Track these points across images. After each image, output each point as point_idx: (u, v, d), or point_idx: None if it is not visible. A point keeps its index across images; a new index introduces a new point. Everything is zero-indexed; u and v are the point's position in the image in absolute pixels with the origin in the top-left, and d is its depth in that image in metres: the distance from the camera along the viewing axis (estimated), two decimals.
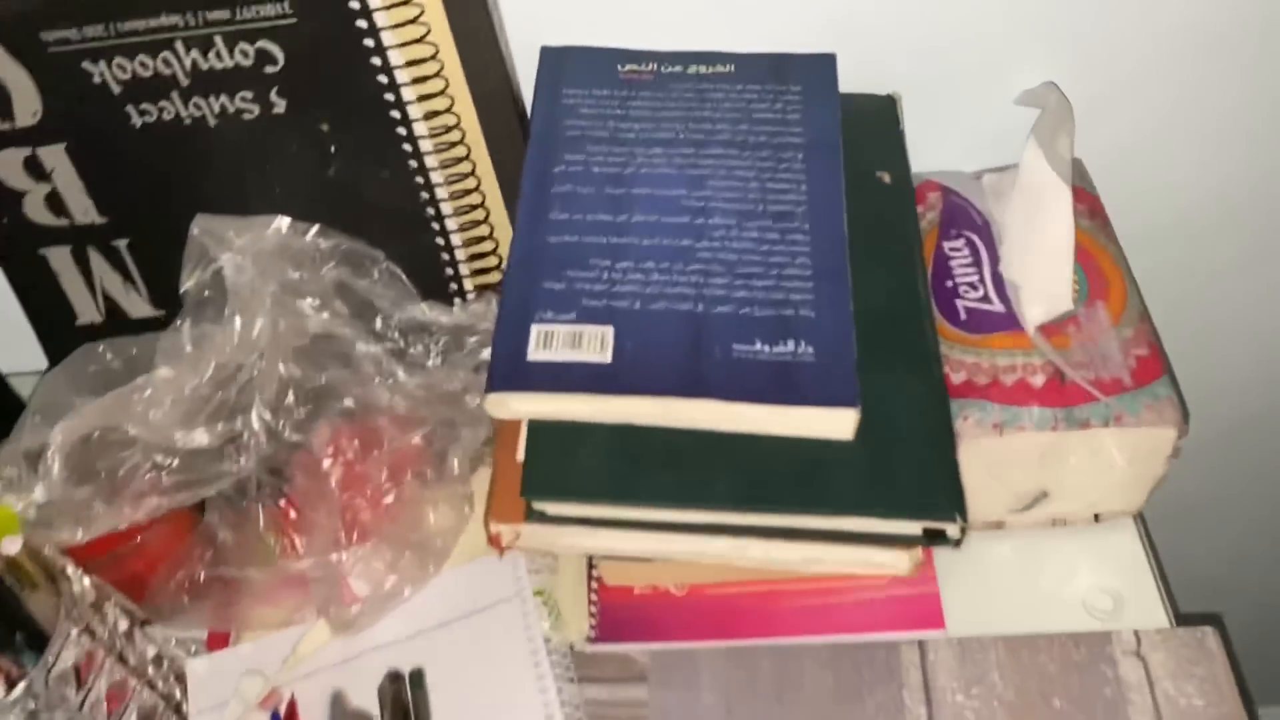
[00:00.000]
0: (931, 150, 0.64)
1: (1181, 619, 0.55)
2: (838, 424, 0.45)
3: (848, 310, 0.48)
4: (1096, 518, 0.59)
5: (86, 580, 0.51)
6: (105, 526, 0.53)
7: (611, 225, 0.50)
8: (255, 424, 0.55)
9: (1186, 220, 0.71)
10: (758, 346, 0.46)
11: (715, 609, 0.57)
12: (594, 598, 0.57)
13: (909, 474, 0.46)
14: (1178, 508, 0.89)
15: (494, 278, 0.61)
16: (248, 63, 0.52)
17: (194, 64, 0.52)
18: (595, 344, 0.46)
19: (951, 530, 0.46)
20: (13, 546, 0.47)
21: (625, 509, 0.45)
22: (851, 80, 0.60)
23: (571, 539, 0.48)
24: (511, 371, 0.45)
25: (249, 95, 0.53)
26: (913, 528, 0.46)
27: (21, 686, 0.46)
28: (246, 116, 0.54)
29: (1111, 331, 0.55)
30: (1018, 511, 0.58)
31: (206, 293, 0.56)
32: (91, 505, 0.52)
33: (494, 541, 0.48)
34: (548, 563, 0.58)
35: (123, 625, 0.54)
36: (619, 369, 0.46)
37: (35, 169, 0.57)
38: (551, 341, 0.46)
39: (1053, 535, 0.58)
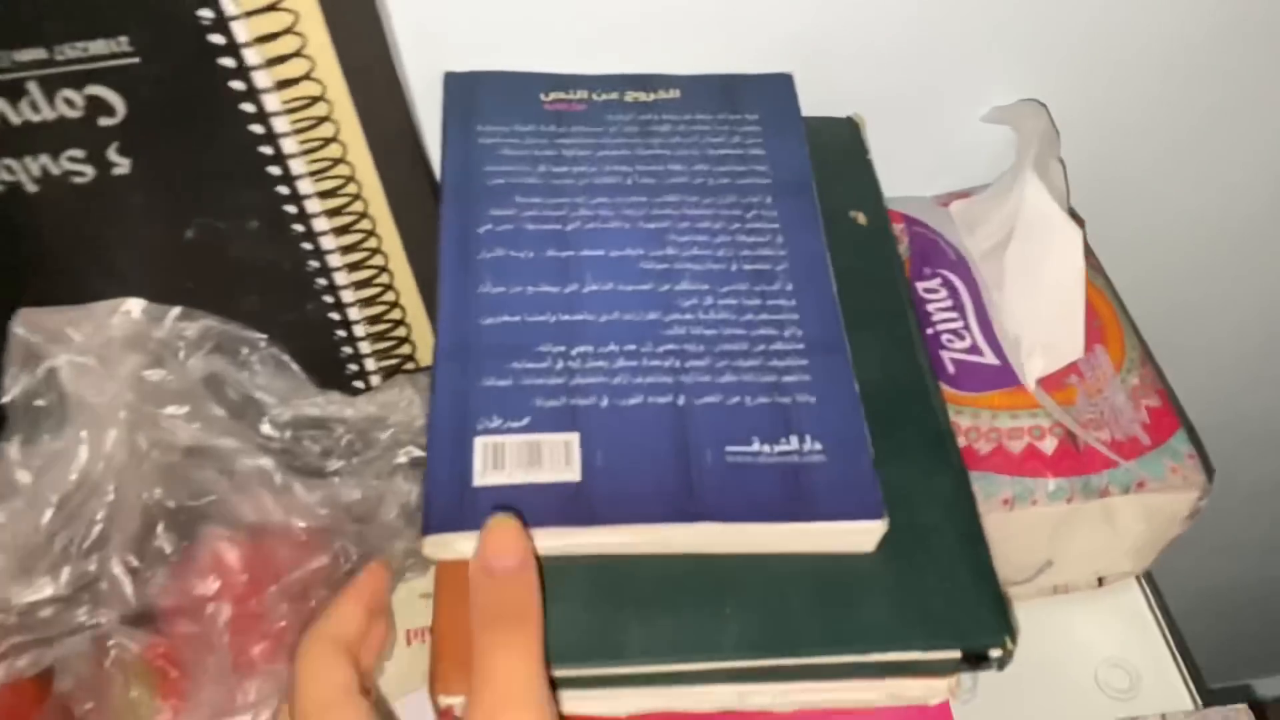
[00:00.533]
0: (882, 173, 0.57)
1: (1205, 695, 0.50)
2: (861, 539, 0.38)
3: (854, 391, 0.40)
4: (1100, 582, 0.53)
5: None
6: None
7: (559, 298, 0.41)
8: (114, 565, 0.43)
9: (1150, 240, 0.67)
10: (756, 447, 0.38)
11: None
12: None
13: (945, 591, 0.38)
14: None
15: (405, 350, 0.51)
16: (75, 114, 0.40)
17: (1, 117, 0.40)
18: (559, 457, 0.37)
19: (996, 652, 0.39)
20: None
21: (615, 667, 0.36)
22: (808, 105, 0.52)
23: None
24: (453, 505, 0.36)
25: (79, 154, 0.41)
26: (953, 654, 0.39)
27: None
28: (78, 180, 0.42)
29: (1116, 380, 0.50)
30: (1019, 584, 0.52)
31: (38, 403, 0.44)
32: None
33: (445, 717, 0.38)
34: None
35: None
36: (592, 490, 0.36)
37: None
38: (502, 459, 0.37)
39: (1056, 606, 0.53)
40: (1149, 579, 0.54)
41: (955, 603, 0.38)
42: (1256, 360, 0.81)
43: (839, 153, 0.52)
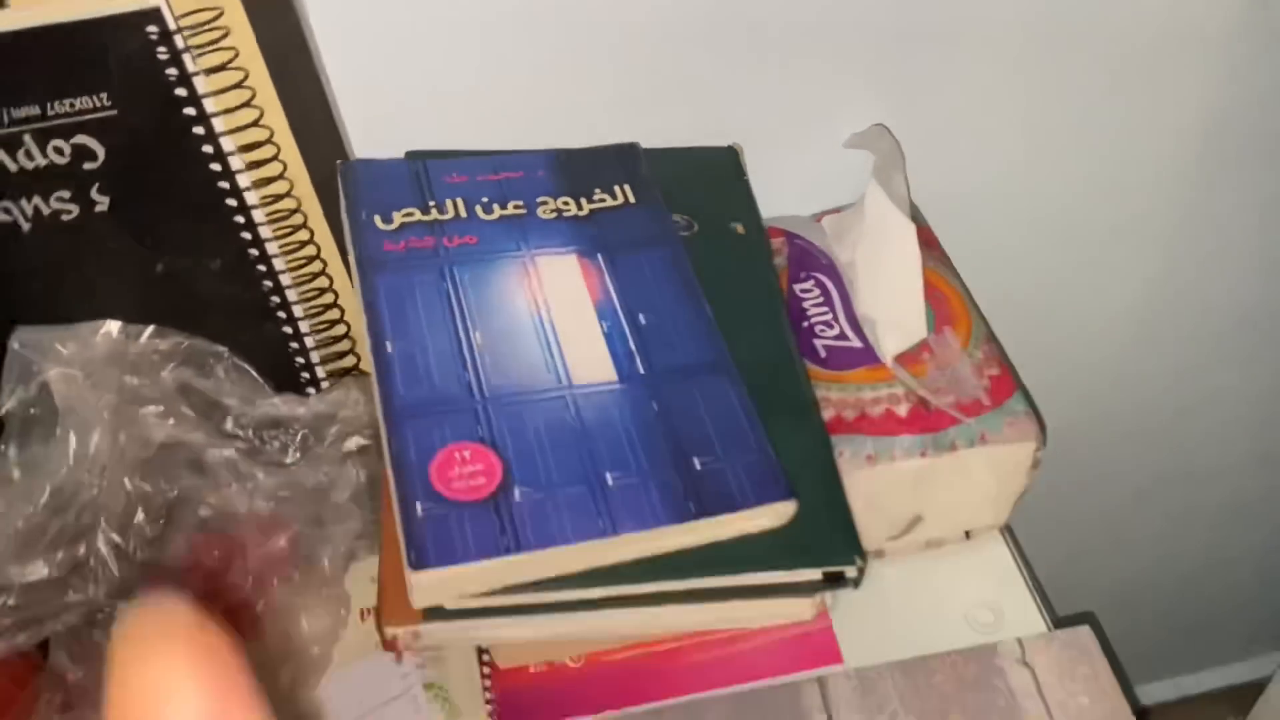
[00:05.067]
0: (768, 197, 0.65)
1: (1058, 622, 0.57)
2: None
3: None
4: (967, 535, 0.61)
5: None
6: None
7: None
8: (101, 548, 0.50)
9: (1011, 244, 0.76)
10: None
11: (615, 676, 0.55)
12: (488, 683, 0.55)
13: (805, 522, 0.46)
14: (1038, 514, 0.95)
15: (349, 362, 0.59)
16: (63, 160, 0.48)
17: (0, 166, 0.47)
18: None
19: (850, 572, 0.46)
20: None
21: (532, 595, 0.43)
22: (687, 129, 0.61)
23: (474, 631, 0.46)
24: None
25: (66, 195, 0.49)
26: (814, 574, 0.46)
27: None
28: (65, 217, 0.50)
29: (963, 354, 0.58)
30: (894, 538, 0.59)
31: (32, 410, 0.51)
32: None
33: (390, 646, 0.45)
34: (435, 654, 0.56)
35: None
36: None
37: None
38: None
39: (929, 558, 0.60)
40: (1009, 531, 0.61)
41: (814, 532, 0.46)
42: (1118, 360, 0.89)
43: (722, 175, 0.61)
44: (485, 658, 0.55)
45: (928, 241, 0.63)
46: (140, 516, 0.51)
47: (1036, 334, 0.82)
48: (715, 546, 0.45)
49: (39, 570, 0.50)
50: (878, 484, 0.55)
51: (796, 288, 0.62)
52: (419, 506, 0.42)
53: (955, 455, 0.55)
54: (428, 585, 0.41)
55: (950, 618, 0.58)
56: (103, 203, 0.50)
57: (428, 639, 0.45)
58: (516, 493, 0.43)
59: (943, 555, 0.60)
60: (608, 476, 0.44)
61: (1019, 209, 0.75)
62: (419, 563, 0.40)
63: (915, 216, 0.64)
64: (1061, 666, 0.55)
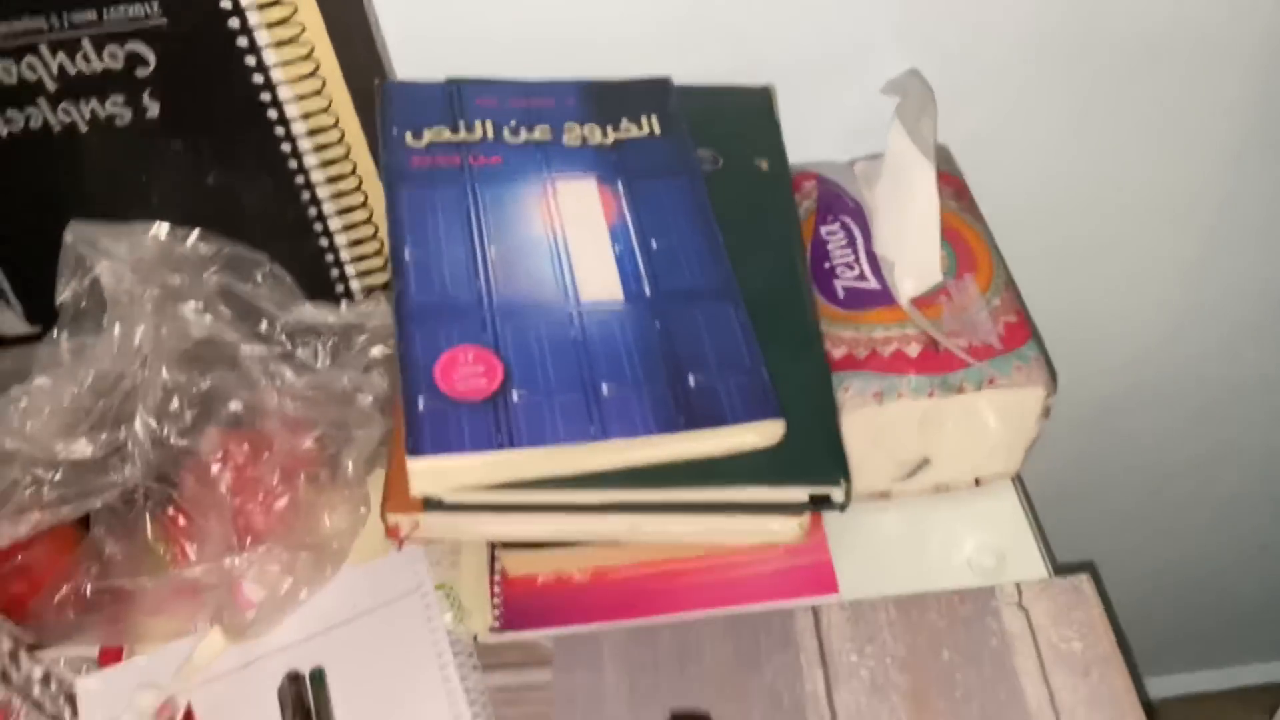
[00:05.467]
0: (806, 143, 0.66)
1: (1059, 569, 0.58)
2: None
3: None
4: (977, 482, 0.61)
5: None
6: None
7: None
8: (140, 432, 0.54)
9: (1044, 201, 0.75)
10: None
11: (617, 591, 0.57)
12: (497, 589, 0.58)
13: (794, 444, 0.47)
14: (1055, 476, 0.94)
15: (380, 278, 0.61)
16: (118, 65, 0.51)
17: (61, 68, 0.51)
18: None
19: (836, 494, 0.48)
20: None
21: (521, 491, 0.46)
22: (728, 73, 0.62)
23: (470, 525, 0.49)
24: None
25: (120, 99, 0.52)
26: (799, 494, 0.48)
27: None
28: (119, 122, 0.53)
29: (980, 300, 0.58)
30: (901, 480, 0.60)
31: (84, 303, 0.55)
32: None
33: (392, 533, 0.48)
34: (449, 557, 0.58)
35: (6, 645, 0.52)
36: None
37: None
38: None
39: (937, 502, 0.61)
40: (1020, 481, 0.62)
41: (802, 453, 0.48)
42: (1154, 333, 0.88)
43: (751, 114, 0.62)
44: (497, 565, 0.58)
45: (957, 190, 0.63)
46: (176, 405, 0.54)
47: (1067, 298, 0.81)
48: (705, 462, 0.47)
49: (82, 449, 0.53)
50: (883, 421, 0.56)
51: (823, 230, 0.63)
52: (421, 401, 0.44)
53: (962, 397, 0.55)
54: (424, 473, 0.43)
55: (952, 561, 0.59)
56: (153, 109, 0.53)
57: (426, 529, 0.48)
58: (515, 394, 0.45)
59: (950, 500, 0.61)
60: (603, 386, 0.46)
61: (1056, 167, 0.74)
62: (415, 449, 0.43)
63: (948, 165, 0.64)
64: (1057, 611, 0.55)
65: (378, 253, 0.60)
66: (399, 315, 0.47)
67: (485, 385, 0.45)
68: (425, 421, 0.44)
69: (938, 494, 0.61)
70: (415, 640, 0.55)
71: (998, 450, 0.59)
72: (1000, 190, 0.68)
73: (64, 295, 0.55)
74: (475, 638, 0.56)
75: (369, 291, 0.61)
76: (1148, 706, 0.53)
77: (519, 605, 0.57)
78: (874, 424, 0.55)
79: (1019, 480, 0.62)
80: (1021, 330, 0.57)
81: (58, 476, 0.53)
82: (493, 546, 0.58)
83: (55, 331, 0.55)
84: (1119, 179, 0.75)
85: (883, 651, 0.55)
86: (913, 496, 0.61)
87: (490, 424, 0.44)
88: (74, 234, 0.54)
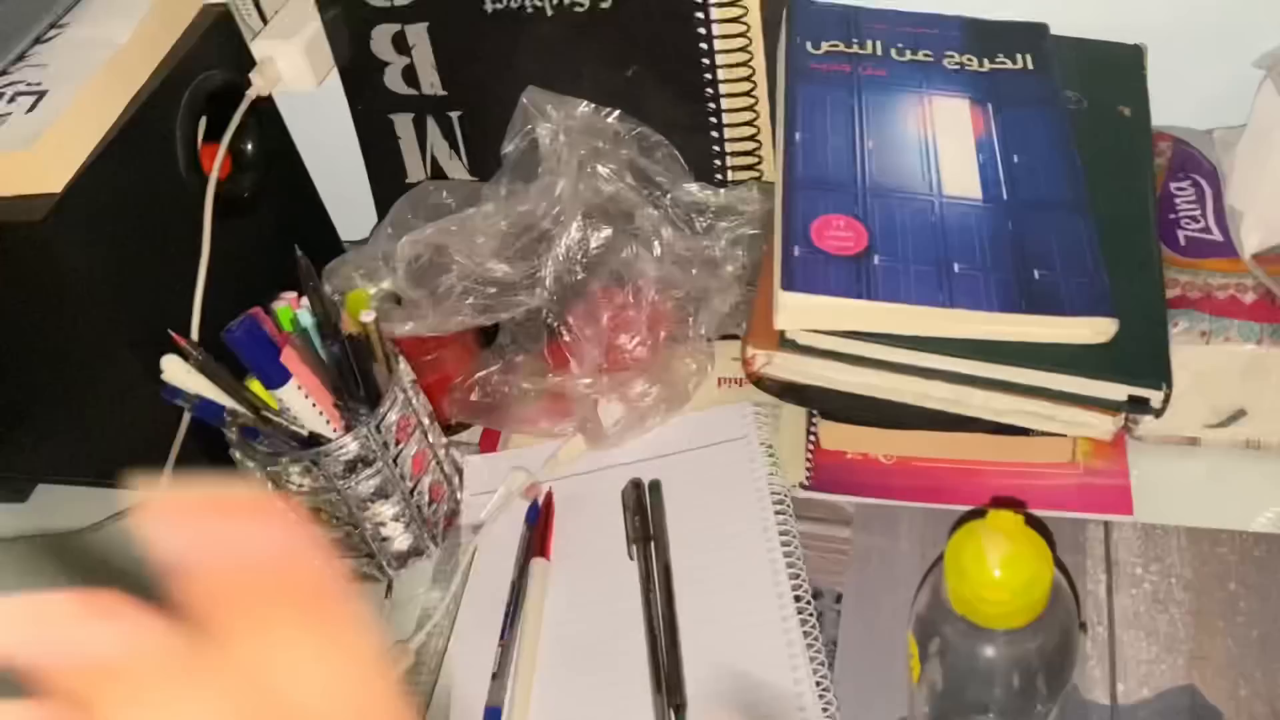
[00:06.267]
0: (1169, 108, 0.69)
1: None
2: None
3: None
4: None
5: (405, 365, 0.63)
6: (427, 328, 0.65)
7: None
8: (550, 265, 0.66)
9: None
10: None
11: (918, 477, 0.64)
12: (810, 455, 0.66)
13: (1123, 346, 0.52)
14: None
15: (751, 175, 0.71)
16: None
17: None
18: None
19: (1155, 398, 0.52)
20: (368, 317, 0.59)
21: (871, 346, 0.53)
22: (1102, 28, 0.67)
23: (813, 368, 0.57)
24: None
25: None
26: (1120, 392, 0.52)
27: (358, 431, 0.59)
28: (578, 10, 0.65)
29: None
30: (1214, 427, 0.62)
31: (523, 156, 0.68)
32: (420, 307, 0.65)
33: (747, 364, 0.57)
34: (771, 422, 0.67)
35: (425, 418, 0.66)
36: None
37: (400, 44, 0.70)
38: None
39: (1245, 456, 0.62)
40: None
41: (1129, 355, 0.52)
42: None
43: (1121, 66, 0.66)
44: (812, 433, 0.66)
45: None
46: (580, 249, 0.66)
47: None
48: (1036, 347, 0.52)
49: (505, 271, 0.66)
50: (1207, 362, 0.59)
51: (1172, 185, 0.66)
52: (797, 249, 0.53)
53: None
54: (791, 306, 0.52)
55: (1252, 519, 0.60)
56: (608, 3, 0.64)
57: (776, 365, 0.56)
58: (876, 259, 0.53)
59: (1260, 457, 0.62)
60: (955, 265, 0.53)
61: None
62: (788, 286, 0.52)
63: None
64: None
65: (755, 151, 0.70)
66: (786, 184, 0.56)
67: (852, 246, 0.53)
68: (799, 265, 0.52)
69: (1248, 449, 0.63)
70: (738, 477, 0.64)
71: None
72: None
73: (509, 147, 0.68)
74: (790, 487, 0.64)
75: (740, 182, 0.71)
76: None
77: (827, 473, 0.65)
78: (1198, 364, 0.58)
79: None
80: None
81: (485, 289, 0.66)
82: (811, 418, 0.66)
83: (498, 175, 0.68)
84: None
85: (1168, 571, 0.58)
86: (1222, 447, 0.63)
87: (852, 276, 0.52)
88: (528, 97, 0.67)
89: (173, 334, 0.56)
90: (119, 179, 0.60)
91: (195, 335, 0.62)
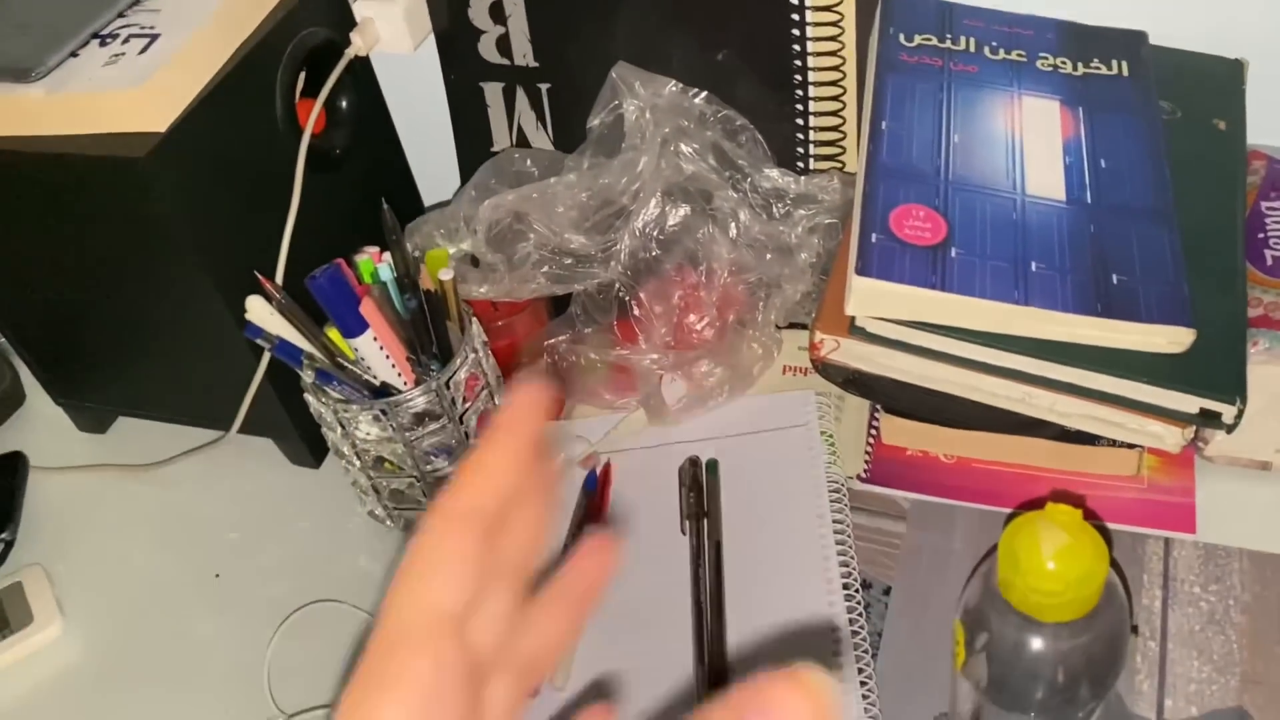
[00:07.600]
0: (1265, 128, 0.68)
1: None
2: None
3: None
4: None
5: (478, 325, 0.64)
6: (502, 292, 0.66)
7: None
8: (626, 240, 0.67)
9: None
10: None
11: (977, 478, 0.64)
12: (869, 448, 0.66)
13: (1199, 358, 0.51)
14: None
15: (838, 160, 0.71)
16: None
17: None
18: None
19: (1227, 413, 0.51)
20: (447, 274, 0.61)
21: (940, 338, 0.53)
22: (1203, 41, 0.65)
23: (880, 358, 0.57)
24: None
25: None
26: (1192, 404, 0.51)
27: (427, 385, 0.60)
28: None
29: None
30: None
31: (607, 130, 0.69)
32: (496, 271, 0.66)
33: (814, 349, 0.57)
34: (833, 412, 0.67)
35: (493, 379, 0.67)
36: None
37: (497, 13, 0.71)
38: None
39: None
40: None
41: (1204, 367, 0.51)
42: None
43: (1220, 81, 0.65)
44: (874, 427, 0.66)
45: None
46: (657, 226, 0.67)
47: None
48: (1109, 352, 0.52)
49: (581, 242, 0.67)
50: None
51: (1264, 204, 0.64)
52: (874, 235, 0.53)
53: None
54: (864, 291, 0.52)
55: None
56: None
57: (843, 351, 0.57)
58: (953, 251, 0.53)
59: None
60: (1032, 264, 0.52)
61: None
62: (863, 271, 0.52)
63: None
64: None
65: (839, 141, 0.70)
66: (868, 171, 0.56)
67: (929, 237, 0.53)
68: (875, 251, 0.53)
69: None
70: (795, 463, 0.64)
71: None
72: None
73: (595, 120, 0.69)
74: (847, 478, 0.64)
75: (821, 171, 0.71)
76: None
77: (885, 467, 0.65)
78: (1275, 385, 0.57)
79: None
80: None
81: (560, 259, 0.67)
82: (873, 411, 0.66)
83: (582, 148, 0.69)
84: None
85: (1227, 593, 0.57)
86: None
87: (928, 266, 0.52)
88: (618, 72, 0.68)
89: (259, 275, 0.58)
90: (219, 125, 0.62)
91: (280, 281, 0.64)
